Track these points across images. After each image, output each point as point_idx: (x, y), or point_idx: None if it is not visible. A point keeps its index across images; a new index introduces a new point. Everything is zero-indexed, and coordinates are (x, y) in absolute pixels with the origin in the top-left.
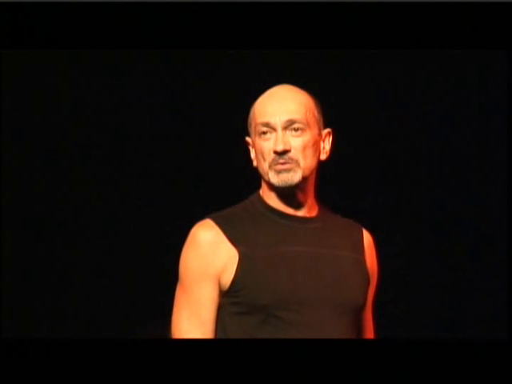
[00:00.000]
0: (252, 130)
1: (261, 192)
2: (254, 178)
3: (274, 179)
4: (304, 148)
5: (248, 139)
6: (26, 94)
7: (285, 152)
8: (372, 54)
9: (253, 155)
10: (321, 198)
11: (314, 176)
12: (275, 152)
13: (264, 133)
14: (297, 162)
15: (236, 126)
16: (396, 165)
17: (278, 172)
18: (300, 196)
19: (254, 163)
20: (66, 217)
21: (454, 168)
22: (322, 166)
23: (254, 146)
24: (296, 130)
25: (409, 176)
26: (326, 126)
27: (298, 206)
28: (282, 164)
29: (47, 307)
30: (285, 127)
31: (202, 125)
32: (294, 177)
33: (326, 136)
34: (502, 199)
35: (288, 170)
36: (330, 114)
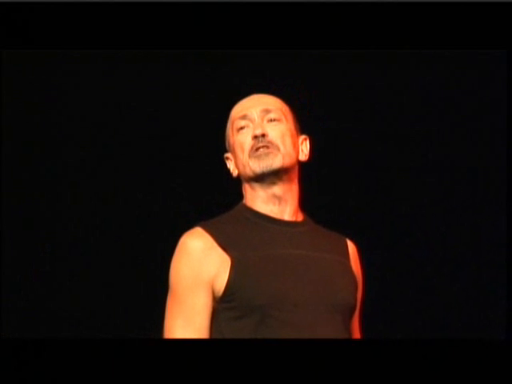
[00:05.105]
0: (229, 132)
1: (245, 201)
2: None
3: (255, 165)
4: (282, 135)
5: (226, 155)
6: (26, 94)
7: (263, 136)
8: (371, 54)
9: (232, 167)
10: (305, 209)
11: (296, 178)
12: (254, 137)
13: (242, 128)
14: (277, 147)
15: (223, 136)
16: (394, 165)
17: (259, 157)
18: (285, 199)
19: (235, 173)
20: (66, 218)
21: (452, 168)
22: (305, 177)
23: (232, 147)
24: (272, 120)
25: (407, 175)
26: (315, 134)
27: (284, 211)
28: (262, 148)
29: (47, 307)
30: (262, 117)
31: (190, 135)
32: (275, 160)
33: (303, 141)
34: (501, 199)
35: (268, 154)
36: (324, 117)
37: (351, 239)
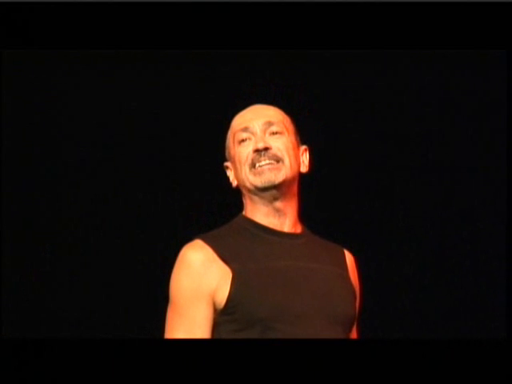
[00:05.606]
0: (230, 143)
1: (244, 213)
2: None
3: (257, 180)
4: (286, 148)
5: (226, 164)
6: (26, 94)
7: (266, 149)
8: (371, 53)
9: (231, 177)
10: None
11: (296, 190)
12: (256, 150)
13: (243, 140)
14: (281, 160)
15: (222, 148)
16: (390, 171)
17: (260, 172)
18: (285, 211)
19: (234, 184)
20: (66, 218)
21: (452, 169)
22: (302, 187)
23: (232, 158)
24: (275, 133)
25: (404, 179)
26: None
27: (284, 223)
28: (266, 164)
29: (47, 307)
30: (264, 130)
31: (189, 138)
32: (278, 175)
33: (303, 152)
34: (501, 199)
35: (271, 170)
36: (323, 117)
37: (348, 249)
